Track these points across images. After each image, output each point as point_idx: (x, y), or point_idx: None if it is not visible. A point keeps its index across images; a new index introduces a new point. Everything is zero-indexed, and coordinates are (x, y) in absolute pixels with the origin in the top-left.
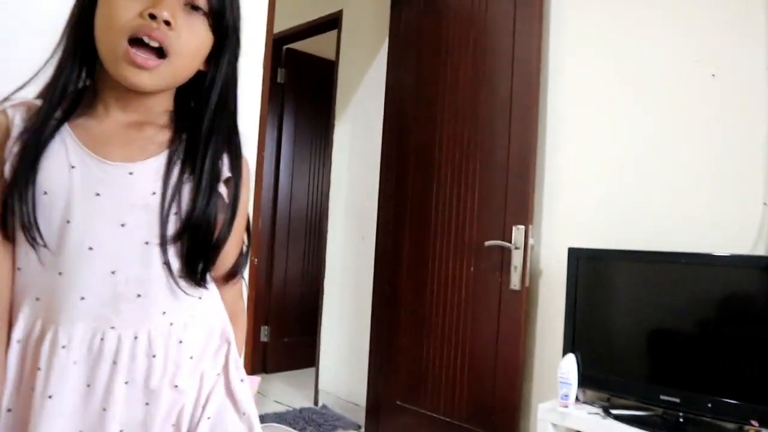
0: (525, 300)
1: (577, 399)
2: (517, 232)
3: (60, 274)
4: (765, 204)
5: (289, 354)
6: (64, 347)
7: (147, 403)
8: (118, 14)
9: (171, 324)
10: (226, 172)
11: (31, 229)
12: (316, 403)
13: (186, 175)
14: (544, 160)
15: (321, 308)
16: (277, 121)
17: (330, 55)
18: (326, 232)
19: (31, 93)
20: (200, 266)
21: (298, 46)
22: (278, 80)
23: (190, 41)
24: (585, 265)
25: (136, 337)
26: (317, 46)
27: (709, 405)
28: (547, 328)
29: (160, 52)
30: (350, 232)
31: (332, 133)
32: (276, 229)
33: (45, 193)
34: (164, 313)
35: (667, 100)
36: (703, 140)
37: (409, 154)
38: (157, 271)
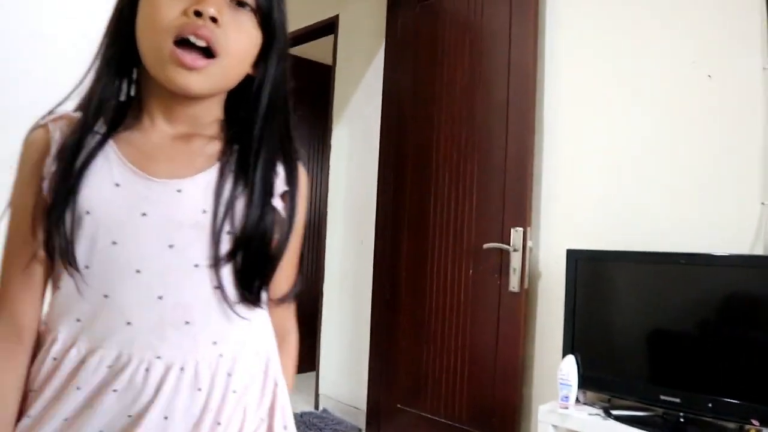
0: (524, 302)
1: (577, 400)
2: (516, 234)
3: (105, 296)
4: (763, 204)
5: None
6: (104, 371)
7: None
8: (161, 14)
9: (221, 355)
10: (281, 185)
11: (66, 253)
12: (316, 407)
13: (239, 190)
14: (541, 161)
15: (320, 312)
16: None
17: (327, 59)
18: (325, 236)
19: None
20: (256, 285)
21: (295, 51)
22: None
23: (239, 39)
24: (584, 266)
25: (182, 369)
26: (314, 51)
27: (710, 405)
28: (547, 330)
29: (208, 54)
30: (349, 236)
31: (330, 138)
32: None
33: (87, 212)
34: (215, 342)
35: (663, 101)
36: (701, 141)
37: (406, 156)
38: (208, 295)
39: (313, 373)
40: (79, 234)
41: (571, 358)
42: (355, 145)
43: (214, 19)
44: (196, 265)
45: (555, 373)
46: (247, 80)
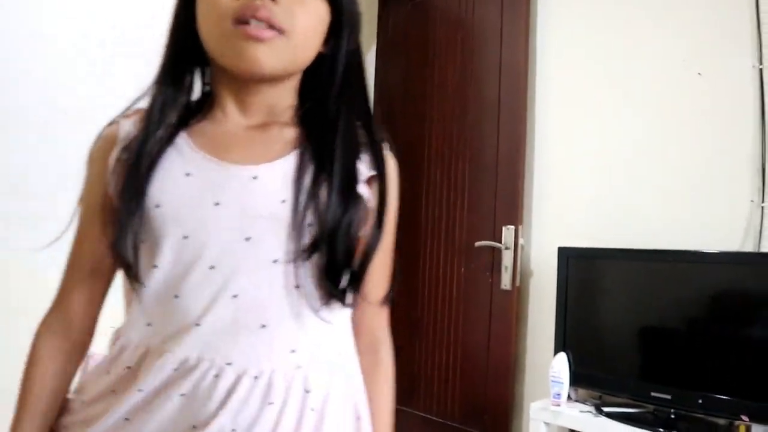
0: (516, 300)
1: (569, 397)
2: (507, 232)
3: (176, 297)
4: (752, 201)
5: None
6: (168, 373)
7: None
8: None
9: (299, 367)
10: (365, 171)
11: (134, 255)
12: None
13: (321, 177)
14: (533, 160)
15: None
16: None
17: None
18: None
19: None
20: (342, 282)
21: None
22: None
23: (304, 17)
24: (575, 264)
25: (256, 377)
26: None
27: (700, 401)
28: (539, 328)
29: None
30: None
31: None
32: None
33: (157, 206)
34: (293, 351)
35: (654, 99)
36: (691, 139)
37: (398, 154)
38: (287, 296)
39: None
40: (149, 231)
41: (562, 356)
42: None
43: None
44: (275, 261)
45: (546, 371)
46: (320, 62)
